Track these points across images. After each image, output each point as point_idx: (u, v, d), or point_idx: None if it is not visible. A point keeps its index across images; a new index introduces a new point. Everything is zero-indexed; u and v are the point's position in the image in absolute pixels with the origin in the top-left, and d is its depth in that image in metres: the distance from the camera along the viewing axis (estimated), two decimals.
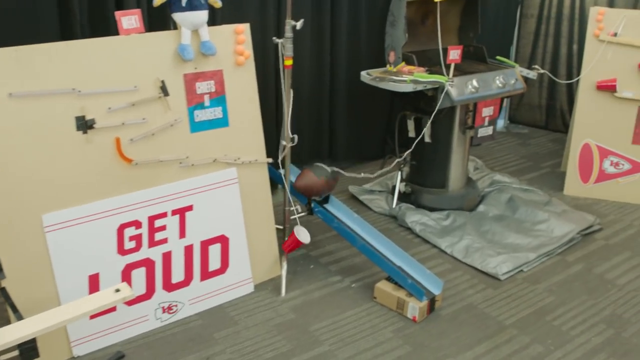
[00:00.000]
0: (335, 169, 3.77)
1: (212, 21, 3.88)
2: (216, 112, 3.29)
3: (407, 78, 3.84)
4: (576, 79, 4.84)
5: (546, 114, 6.41)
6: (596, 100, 4.69)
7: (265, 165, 3.51)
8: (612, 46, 4.60)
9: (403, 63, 4.07)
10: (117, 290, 2.48)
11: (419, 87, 3.81)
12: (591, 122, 4.73)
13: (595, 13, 4.63)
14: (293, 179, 3.98)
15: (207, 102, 3.24)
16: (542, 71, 4.72)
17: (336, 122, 4.94)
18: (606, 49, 4.61)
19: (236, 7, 4.12)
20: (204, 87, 3.22)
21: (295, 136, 3.49)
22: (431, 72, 4.00)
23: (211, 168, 3.29)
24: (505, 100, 6.36)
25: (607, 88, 4.62)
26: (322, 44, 4.65)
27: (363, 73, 4.11)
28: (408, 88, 3.80)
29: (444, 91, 3.83)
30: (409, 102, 4.16)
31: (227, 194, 3.35)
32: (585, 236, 4.21)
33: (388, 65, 4.14)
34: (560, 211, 4.42)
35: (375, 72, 4.11)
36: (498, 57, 4.47)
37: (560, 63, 6.13)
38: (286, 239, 3.53)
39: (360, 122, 5.07)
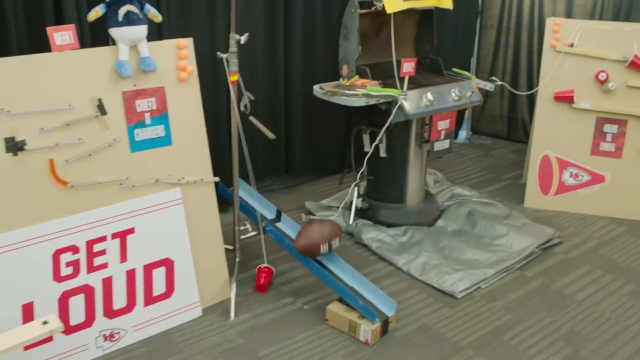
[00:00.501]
0: (332, 219, 3.65)
1: (159, 35, 3.78)
2: (158, 131, 3.16)
3: (359, 92, 3.74)
4: (534, 90, 4.79)
5: (508, 124, 6.37)
6: (554, 111, 4.64)
7: (211, 185, 3.38)
8: (569, 57, 4.56)
9: (356, 76, 3.98)
10: (45, 323, 2.33)
11: (372, 102, 3.72)
12: (550, 133, 4.67)
13: (552, 24, 4.59)
14: (244, 195, 3.88)
15: (148, 121, 3.11)
16: (499, 82, 4.66)
17: (292, 136, 4.84)
18: (563, 60, 4.56)
19: (184, 20, 4.01)
20: (144, 104, 3.09)
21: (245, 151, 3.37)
22: (385, 85, 3.92)
23: (154, 189, 3.16)
24: (467, 111, 6.34)
25: (565, 99, 4.57)
26: (276, 56, 4.56)
27: (316, 87, 4.01)
28: (360, 102, 3.71)
29: (398, 105, 3.74)
30: (364, 116, 4.08)
31: (171, 215, 3.21)
32: (545, 250, 4.14)
33: (341, 79, 4.04)
34: (519, 225, 4.35)
35: (328, 86, 4.01)
36: (454, 69, 4.40)
37: (520, 74, 6.10)
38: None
39: (317, 136, 4.97)
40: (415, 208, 4.32)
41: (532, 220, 4.53)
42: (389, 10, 3.78)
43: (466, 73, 4.34)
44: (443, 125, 3.99)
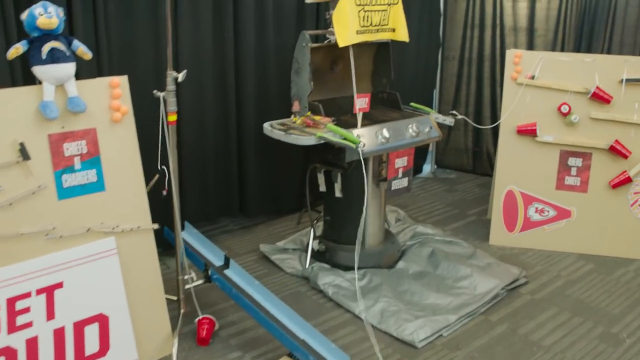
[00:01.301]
0: None
1: (98, 72, 3.58)
2: (89, 176, 2.91)
3: (317, 133, 3.52)
4: (496, 124, 4.64)
5: (473, 157, 6.23)
6: (517, 145, 4.49)
7: (150, 232, 3.13)
8: (531, 89, 4.42)
9: (309, 113, 3.79)
10: None
11: (324, 140, 3.52)
12: (513, 168, 4.52)
13: (512, 56, 4.46)
14: (192, 240, 3.66)
15: (77, 165, 2.87)
16: (460, 116, 4.50)
17: (246, 175, 4.62)
18: (525, 92, 4.42)
19: (126, 56, 3.80)
20: (73, 148, 2.85)
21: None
22: (339, 122, 3.74)
23: (85, 239, 2.90)
24: (430, 144, 6.18)
25: (528, 132, 4.43)
26: (226, 92, 4.35)
27: (266, 125, 3.81)
28: (311, 141, 3.51)
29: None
30: (318, 154, 3.88)
31: (104, 267, 2.96)
32: (511, 291, 3.95)
33: (292, 116, 3.84)
34: (484, 264, 4.16)
35: (279, 123, 3.81)
36: (413, 104, 4.23)
37: (484, 105, 5.97)
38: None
39: (273, 174, 4.76)
40: (375, 250, 4.11)
41: (497, 258, 4.35)
42: (341, 44, 3.61)
43: (425, 107, 4.18)
44: (400, 163, 3.80)
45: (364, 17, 3.69)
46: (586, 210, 4.48)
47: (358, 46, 3.79)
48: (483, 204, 5.36)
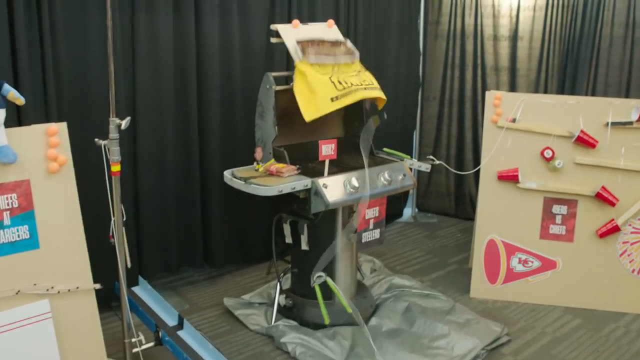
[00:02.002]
0: None
1: (46, 117, 3.33)
2: (21, 232, 2.65)
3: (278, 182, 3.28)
4: (476, 169, 4.39)
5: (455, 201, 5.98)
6: (499, 192, 4.24)
7: (91, 293, 2.85)
8: (512, 133, 4.19)
9: (272, 160, 3.54)
10: None
11: (286, 190, 3.26)
12: (495, 216, 4.26)
13: (492, 98, 4.23)
14: (146, 297, 3.38)
15: (7, 221, 2.61)
16: (437, 162, 4.26)
17: (211, 222, 4.34)
18: (505, 136, 4.19)
19: (78, 99, 3.54)
20: (2, 202, 2.59)
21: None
22: (305, 169, 3.49)
23: (14, 302, 2.62)
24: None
25: (509, 178, 4.18)
26: (188, 135, 4.11)
27: (226, 173, 3.55)
28: (272, 192, 3.25)
29: (317, 193, 3.30)
30: (283, 203, 3.61)
31: (37, 332, 2.67)
32: (492, 351, 3.66)
33: (255, 163, 3.59)
34: (463, 321, 3.87)
35: (242, 171, 3.56)
36: (386, 149, 3.99)
37: (466, 148, 5.75)
38: None
39: (240, 222, 4.48)
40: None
41: (478, 313, 4.07)
42: (307, 118, 3.40)
43: (399, 153, 3.94)
44: (371, 213, 3.54)
45: (337, 81, 3.45)
46: (572, 260, 4.22)
47: None
48: (465, 251, 5.09)
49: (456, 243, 5.37)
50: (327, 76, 3.46)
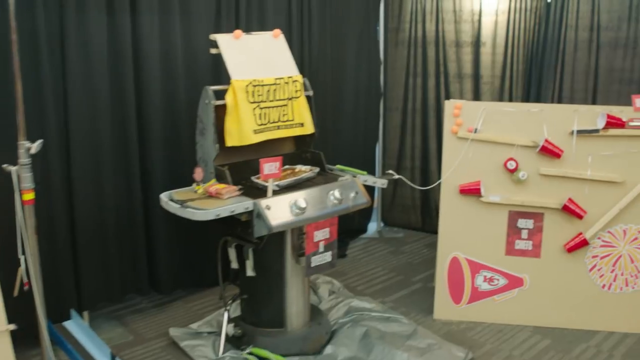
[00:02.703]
0: None
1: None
2: None
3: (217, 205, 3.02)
4: (436, 184, 4.15)
5: (421, 214, 5.76)
6: (461, 207, 4.01)
7: (5, 335, 2.56)
8: (473, 144, 3.96)
9: (213, 181, 3.28)
10: None
11: (224, 214, 3.01)
12: (458, 233, 4.03)
13: (452, 107, 3.99)
14: (78, 333, 3.10)
15: None
16: (397, 176, 4.02)
17: (156, 246, 4.06)
18: (467, 148, 3.96)
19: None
20: None
21: None
22: (249, 189, 3.24)
23: None
24: (376, 200, 5.69)
25: (471, 192, 3.95)
26: (129, 155, 3.83)
27: (162, 196, 3.28)
28: (208, 216, 2.99)
29: (259, 216, 3.04)
30: (227, 226, 3.35)
31: None
32: None
33: (195, 184, 3.32)
34: (425, 346, 3.63)
35: (180, 193, 3.29)
36: (339, 166, 3.76)
37: (430, 158, 5.54)
38: None
39: (189, 243, 4.20)
40: (299, 333, 3.57)
41: (442, 335, 3.83)
42: (229, 143, 3.31)
43: (354, 169, 3.70)
44: (321, 235, 3.28)
45: (260, 114, 3.32)
46: (540, 277, 4.00)
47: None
48: (430, 268, 4.85)
49: (422, 259, 5.13)
50: (255, 105, 3.34)
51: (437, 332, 3.88)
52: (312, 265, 3.29)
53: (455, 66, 5.31)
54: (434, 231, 5.43)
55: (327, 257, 3.35)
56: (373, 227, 5.84)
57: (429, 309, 4.17)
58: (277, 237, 3.30)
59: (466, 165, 3.96)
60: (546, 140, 3.85)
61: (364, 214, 5.67)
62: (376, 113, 5.58)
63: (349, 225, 5.32)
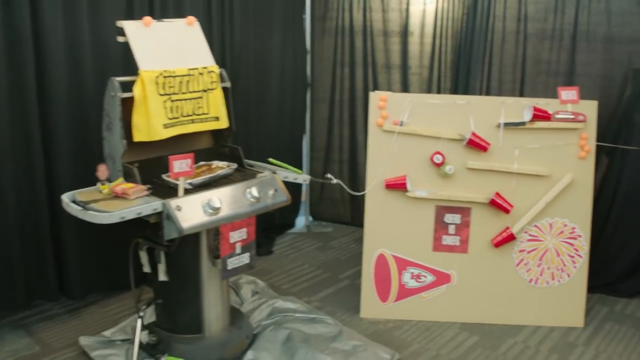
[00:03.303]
0: None
1: None
2: None
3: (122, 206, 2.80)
4: (369, 188, 4.01)
5: (350, 207, 5.62)
6: (387, 202, 3.88)
7: None
8: (399, 137, 3.84)
9: (120, 179, 3.04)
10: None
11: (130, 216, 2.79)
12: (384, 229, 3.90)
13: (376, 99, 3.86)
14: None
15: None
16: (335, 181, 3.88)
17: (66, 248, 3.80)
18: (392, 141, 3.83)
19: None
20: None
21: None
22: (159, 188, 3.03)
23: None
24: (304, 193, 5.53)
25: (397, 187, 3.83)
26: (30, 152, 3.55)
27: (64, 197, 3.02)
28: (112, 219, 2.77)
29: (169, 217, 2.83)
30: (136, 228, 3.12)
31: None
32: None
33: (99, 184, 3.08)
34: (350, 348, 3.50)
35: (84, 193, 3.05)
36: (271, 160, 3.57)
37: (359, 150, 5.41)
38: None
39: (103, 244, 3.93)
40: (218, 339, 3.37)
41: (368, 336, 3.71)
42: (137, 138, 3.09)
43: (286, 165, 3.52)
44: (238, 236, 3.09)
45: (171, 107, 3.12)
46: (468, 273, 3.92)
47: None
48: (358, 264, 4.67)
49: (350, 254, 5.00)
50: (166, 97, 3.12)
51: (364, 332, 3.76)
52: (229, 267, 3.10)
53: (383, 56, 5.18)
54: (363, 225, 5.35)
55: (245, 258, 3.17)
56: (301, 221, 5.68)
57: (356, 307, 4.04)
58: (191, 238, 3.09)
59: (392, 159, 3.84)
60: (473, 134, 3.76)
61: (292, 209, 5.51)
62: (303, 104, 5.41)
63: (276, 221, 5.13)
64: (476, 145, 3.77)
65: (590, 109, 3.79)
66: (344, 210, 5.65)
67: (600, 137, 3.88)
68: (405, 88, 5.13)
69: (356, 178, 5.42)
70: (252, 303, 3.96)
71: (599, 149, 3.93)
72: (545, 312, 3.94)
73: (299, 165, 5.43)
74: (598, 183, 4.24)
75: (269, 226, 5.23)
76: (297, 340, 3.49)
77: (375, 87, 5.19)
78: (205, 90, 3.31)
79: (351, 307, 4.09)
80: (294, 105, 5.28)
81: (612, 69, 4.28)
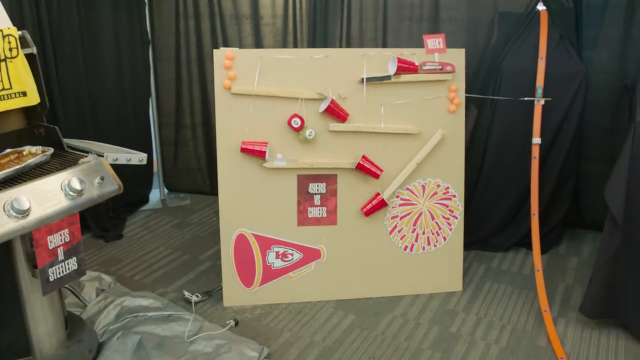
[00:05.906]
0: None
1: None
2: None
3: None
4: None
5: (209, 176, 5.11)
6: (243, 175, 3.41)
7: None
8: (252, 99, 3.35)
9: None
10: None
11: None
12: (241, 205, 3.44)
13: (222, 57, 3.34)
14: None
15: None
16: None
17: None
18: (246, 104, 3.34)
19: None
20: None
21: None
22: None
23: None
24: (155, 164, 4.95)
25: (255, 153, 3.35)
26: None
27: None
28: None
29: None
30: None
31: None
32: None
33: None
34: (212, 350, 3.05)
35: None
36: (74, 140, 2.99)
37: (212, 112, 4.87)
38: None
39: None
40: (52, 358, 2.81)
41: (234, 329, 3.27)
42: None
43: (101, 145, 2.96)
44: (58, 240, 2.52)
45: None
46: (338, 246, 3.55)
47: None
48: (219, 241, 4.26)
49: (211, 230, 4.52)
50: None
51: (229, 324, 3.32)
52: (52, 279, 2.54)
53: (231, 5, 4.62)
54: None
55: (72, 264, 2.61)
56: (156, 195, 5.12)
57: (218, 295, 3.59)
58: (1, 247, 2.49)
59: (246, 125, 3.36)
60: (332, 101, 3.33)
61: (144, 183, 4.93)
62: (145, 65, 4.77)
63: (126, 198, 4.53)
64: (335, 114, 3.36)
65: (458, 57, 3.46)
66: (202, 180, 5.14)
67: (468, 87, 3.57)
68: (258, 41, 4.62)
69: (212, 143, 4.89)
70: (96, 305, 3.41)
71: (467, 100, 3.63)
72: (423, 280, 3.66)
73: (146, 134, 4.83)
74: (468, 137, 3.96)
75: (119, 205, 4.63)
76: (150, 347, 3.00)
77: (225, 42, 4.64)
78: (3, 60, 2.66)
79: (214, 296, 3.63)
80: (133, 65, 4.64)
81: (478, 13, 3.96)
